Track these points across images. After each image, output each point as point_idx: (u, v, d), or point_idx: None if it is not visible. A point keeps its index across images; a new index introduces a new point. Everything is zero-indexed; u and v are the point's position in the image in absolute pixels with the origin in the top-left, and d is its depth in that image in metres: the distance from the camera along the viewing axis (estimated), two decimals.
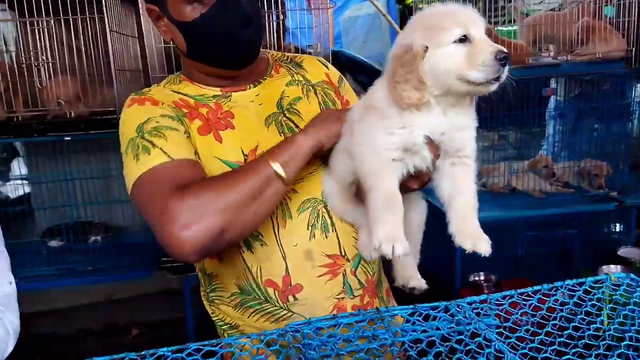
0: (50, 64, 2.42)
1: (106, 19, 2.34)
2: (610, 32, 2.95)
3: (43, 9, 2.31)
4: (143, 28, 2.50)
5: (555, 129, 3.67)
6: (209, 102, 1.24)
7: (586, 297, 1.14)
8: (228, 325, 1.31)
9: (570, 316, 1.06)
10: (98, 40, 2.46)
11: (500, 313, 1.08)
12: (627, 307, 1.10)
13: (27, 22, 2.36)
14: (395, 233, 1.00)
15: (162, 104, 1.19)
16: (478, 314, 1.09)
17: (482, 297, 1.13)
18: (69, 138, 2.37)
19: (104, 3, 2.33)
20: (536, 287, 1.15)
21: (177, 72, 1.34)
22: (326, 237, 1.23)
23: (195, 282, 1.44)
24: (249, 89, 1.28)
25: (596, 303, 1.12)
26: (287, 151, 1.12)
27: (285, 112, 1.28)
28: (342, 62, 3.85)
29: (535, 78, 2.99)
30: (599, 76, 3.14)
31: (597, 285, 1.18)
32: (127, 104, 1.22)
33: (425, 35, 0.98)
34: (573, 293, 1.14)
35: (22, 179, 3.14)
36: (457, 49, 0.96)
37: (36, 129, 2.38)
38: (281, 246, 1.21)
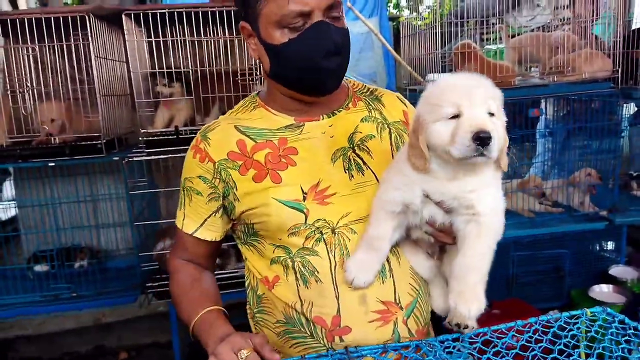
0: (36, 90, 2.42)
1: (91, 45, 2.34)
2: (595, 54, 2.97)
3: (28, 35, 2.31)
4: (129, 54, 2.51)
5: (545, 147, 3.68)
6: (274, 137, 1.25)
7: (561, 334, 1.13)
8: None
9: (544, 356, 1.05)
10: (83, 66, 2.46)
11: (473, 352, 1.07)
12: (602, 343, 1.09)
13: (13, 48, 2.36)
14: (364, 266, 1.17)
15: (208, 161, 1.25)
16: (450, 353, 1.08)
17: (455, 335, 1.12)
18: (53, 164, 2.35)
19: (89, 29, 2.34)
20: (509, 324, 1.14)
21: (255, 93, 1.36)
22: (383, 282, 1.22)
23: None
24: (323, 119, 1.28)
25: (571, 341, 1.11)
26: (201, 337, 1.20)
27: (355, 148, 1.27)
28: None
29: (522, 99, 2.99)
30: (587, 96, 3.15)
31: (572, 320, 1.17)
32: (192, 144, 1.31)
33: (428, 110, 1.07)
34: (547, 330, 1.13)
35: (9, 201, 3.13)
36: (446, 126, 1.03)
37: (21, 154, 2.37)
38: (336, 286, 1.20)
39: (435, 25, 2.97)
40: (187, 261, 1.37)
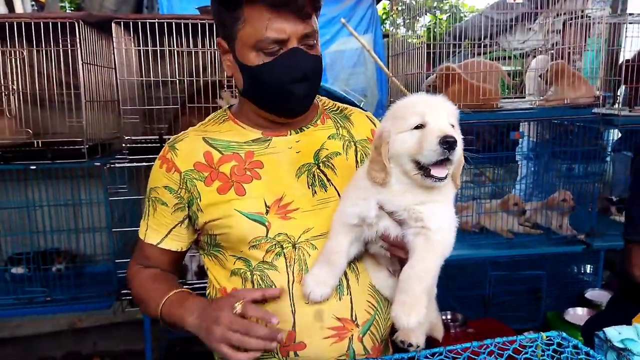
0: (21, 93, 2.43)
1: (78, 50, 2.36)
2: (579, 79, 3.03)
3: (16, 39, 2.33)
4: (117, 60, 2.54)
5: (528, 170, 3.72)
6: (241, 149, 1.27)
7: (517, 357, 1.15)
8: None
9: None
10: (71, 70, 2.48)
11: None
12: None
13: (1, 51, 2.38)
14: (321, 280, 1.19)
15: (175, 171, 1.27)
16: None
17: (411, 354, 1.14)
18: (34, 167, 2.35)
19: (77, 36, 2.36)
20: (465, 345, 1.16)
21: (226, 107, 1.39)
22: (340, 299, 1.23)
23: None
24: (290, 134, 1.31)
25: None
26: (173, 315, 1.24)
27: (321, 164, 1.30)
28: (322, 96, 3.89)
29: (504, 121, 3.04)
30: (569, 121, 3.21)
31: (529, 344, 1.19)
32: (159, 154, 1.32)
33: (392, 123, 1.12)
34: (502, 352, 1.15)
35: None
36: (412, 135, 1.08)
37: (2, 156, 2.37)
38: (292, 301, 1.21)
39: (430, 44, 3.00)
40: (146, 267, 1.38)
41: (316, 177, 1.28)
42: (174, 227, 1.31)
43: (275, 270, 1.22)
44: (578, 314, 3.15)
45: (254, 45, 1.17)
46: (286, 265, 1.22)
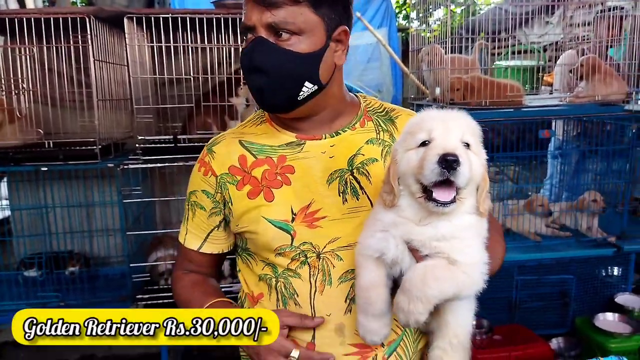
0: (32, 92, 2.36)
1: (90, 47, 2.28)
2: (611, 75, 2.89)
3: (26, 35, 2.25)
4: (129, 58, 2.45)
5: (555, 168, 3.59)
6: (274, 153, 1.22)
7: None
8: None
9: None
10: (82, 68, 2.40)
11: None
12: None
13: (9, 48, 2.30)
14: (370, 331, 1.07)
15: (211, 175, 1.23)
16: None
17: None
18: (46, 169, 2.28)
19: (88, 32, 2.28)
20: None
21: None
22: None
23: None
24: (325, 138, 1.23)
25: None
26: None
27: (354, 171, 1.21)
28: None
29: (533, 119, 2.91)
30: (599, 118, 3.07)
31: None
32: (199, 157, 1.28)
33: (402, 141, 1.02)
34: None
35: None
36: (417, 153, 0.97)
37: (13, 158, 2.30)
38: (314, 312, 1.17)
39: (445, 40, 2.90)
40: (190, 272, 1.36)
41: (348, 184, 1.20)
42: (211, 232, 1.29)
43: (298, 279, 1.18)
44: (608, 320, 3.01)
45: (241, 34, 1.17)
46: (310, 274, 1.17)
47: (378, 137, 1.25)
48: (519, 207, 3.08)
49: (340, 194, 1.19)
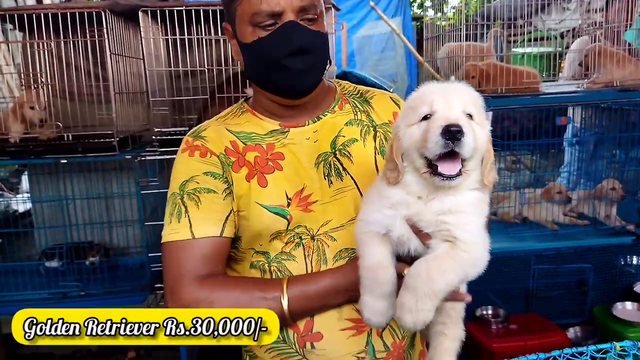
0: (50, 86, 2.40)
1: (106, 41, 2.31)
2: (624, 58, 2.83)
3: (44, 30, 2.29)
4: (144, 51, 2.48)
5: (573, 156, 3.54)
6: (262, 141, 1.23)
7: None
8: (251, 353, 1.29)
9: None
10: (99, 62, 2.43)
11: None
12: None
13: (28, 43, 2.34)
14: (376, 312, 1.03)
15: (211, 155, 1.19)
16: None
17: None
18: (65, 161, 2.33)
19: (104, 25, 2.31)
20: (532, 357, 1.06)
21: (242, 100, 1.34)
22: None
23: None
24: (308, 124, 1.26)
25: None
26: (311, 298, 1.14)
27: (337, 152, 1.24)
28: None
29: (550, 106, 2.87)
30: (617, 104, 3.02)
31: (599, 355, 1.08)
32: (181, 147, 1.23)
33: (404, 116, 1.01)
34: None
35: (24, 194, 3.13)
36: (419, 127, 0.96)
37: (33, 151, 2.36)
38: None
39: (460, 27, 2.88)
40: (206, 277, 1.16)
41: (332, 166, 1.23)
42: (229, 214, 1.18)
43: (293, 261, 1.20)
44: (627, 309, 2.98)
45: (249, 21, 1.13)
46: (304, 255, 1.19)
47: (356, 117, 1.29)
48: (535, 196, 3.05)
49: (326, 177, 1.22)
